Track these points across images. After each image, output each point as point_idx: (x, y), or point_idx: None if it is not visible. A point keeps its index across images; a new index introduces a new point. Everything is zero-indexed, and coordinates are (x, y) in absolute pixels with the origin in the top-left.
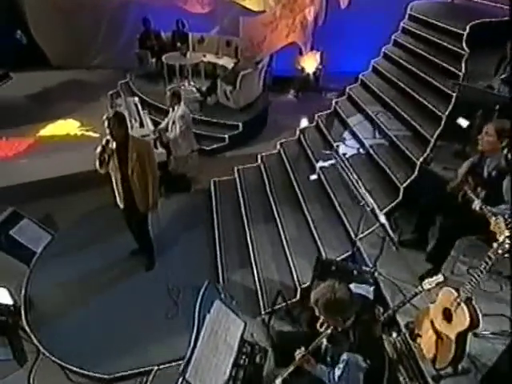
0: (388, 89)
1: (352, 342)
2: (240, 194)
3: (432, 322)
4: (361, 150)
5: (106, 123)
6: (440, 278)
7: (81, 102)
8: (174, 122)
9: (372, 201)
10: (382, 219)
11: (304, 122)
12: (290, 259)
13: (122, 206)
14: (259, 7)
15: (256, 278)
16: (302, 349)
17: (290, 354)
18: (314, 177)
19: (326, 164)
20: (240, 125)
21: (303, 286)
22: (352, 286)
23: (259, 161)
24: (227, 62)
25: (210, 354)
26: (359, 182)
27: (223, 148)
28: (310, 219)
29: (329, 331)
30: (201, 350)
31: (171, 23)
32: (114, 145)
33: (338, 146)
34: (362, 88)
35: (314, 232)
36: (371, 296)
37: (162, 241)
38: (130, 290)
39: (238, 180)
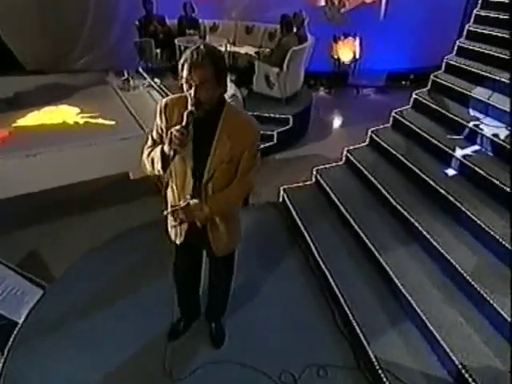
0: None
1: None
2: (339, 204)
3: None
4: None
5: (195, 64)
6: None
7: (74, 89)
8: None
9: None
10: None
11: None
12: (493, 304)
13: (179, 240)
14: None
15: (441, 341)
16: None
17: None
18: (451, 171)
19: (469, 151)
20: (290, 118)
21: None
22: None
23: (344, 158)
24: (250, 51)
25: None
26: None
27: (271, 148)
28: (495, 234)
29: None
30: None
31: (176, 9)
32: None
33: (477, 126)
34: (464, 58)
35: None
36: None
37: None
38: None
39: (324, 184)
